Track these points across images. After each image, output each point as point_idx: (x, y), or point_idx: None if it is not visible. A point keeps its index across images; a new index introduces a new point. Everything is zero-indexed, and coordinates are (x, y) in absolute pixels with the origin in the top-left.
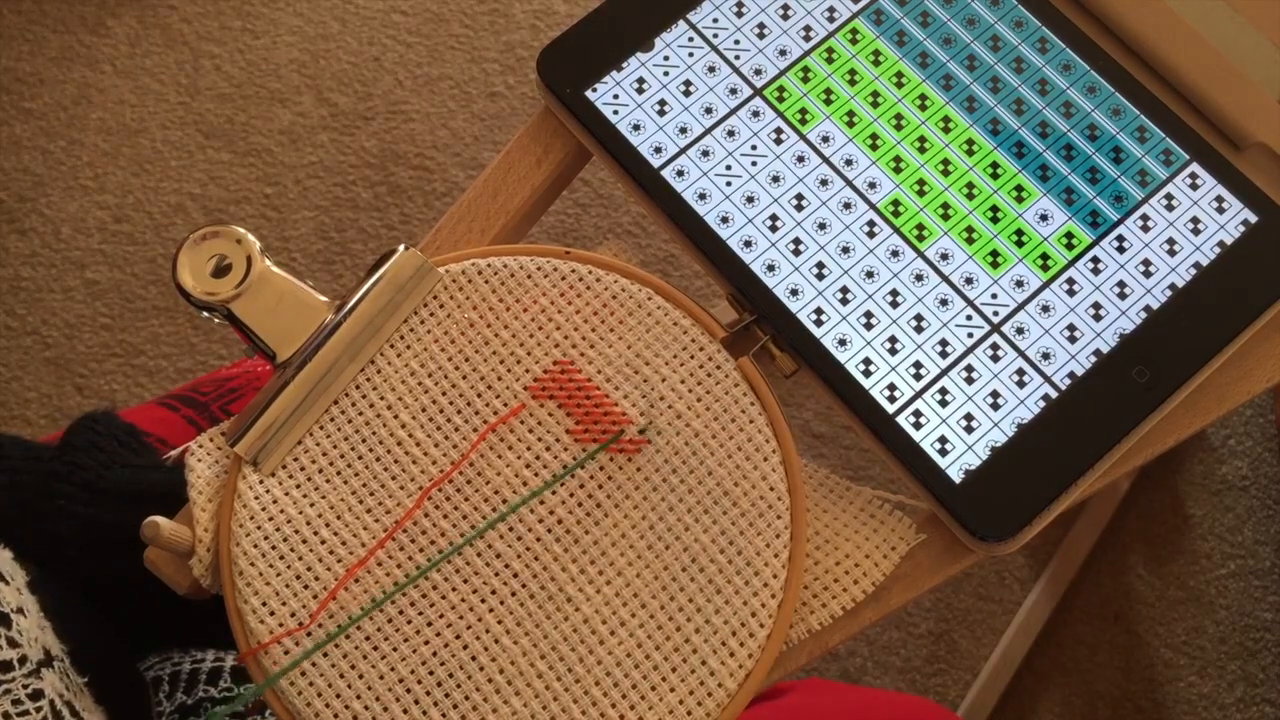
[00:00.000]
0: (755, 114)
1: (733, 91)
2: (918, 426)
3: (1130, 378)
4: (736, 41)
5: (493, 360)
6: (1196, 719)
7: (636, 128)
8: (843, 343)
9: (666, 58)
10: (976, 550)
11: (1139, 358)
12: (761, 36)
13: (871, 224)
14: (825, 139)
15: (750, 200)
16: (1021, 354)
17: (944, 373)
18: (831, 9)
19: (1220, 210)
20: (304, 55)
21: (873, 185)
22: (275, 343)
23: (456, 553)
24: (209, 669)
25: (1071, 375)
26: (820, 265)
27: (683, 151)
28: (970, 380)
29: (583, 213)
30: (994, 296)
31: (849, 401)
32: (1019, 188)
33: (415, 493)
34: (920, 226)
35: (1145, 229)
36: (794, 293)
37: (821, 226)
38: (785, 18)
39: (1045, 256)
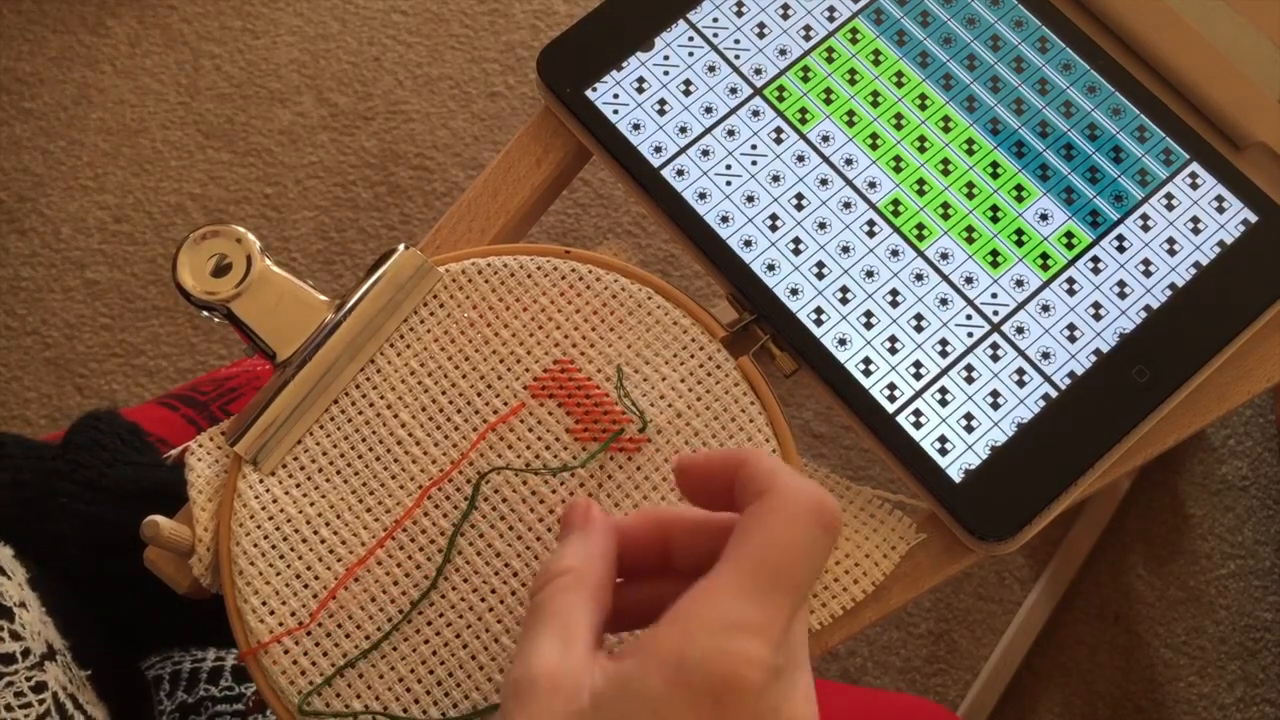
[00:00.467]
0: (755, 113)
1: (733, 91)
2: (918, 426)
3: (1130, 377)
4: (736, 41)
5: (492, 359)
6: (1196, 719)
7: (636, 127)
8: (843, 342)
9: (666, 57)
10: (976, 550)
11: (1139, 357)
12: (761, 36)
13: (871, 223)
14: (825, 138)
15: (750, 200)
16: (1021, 353)
17: (944, 372)
18: (831, 8)
19: (1220, 210)
20: (304, 55)
21: (873, 185)
22: (275, 342)
23: (456, 554)
24: (210, 668)
25: (1071, 375)
26: (820, 265)
27: (683, 151)
28: (970, 380)
29: (583, 213)
30: (994, 296)
31: (849, 401)
32: (1019, 187)
33: (415, 492)
34: (920, 226)
35: (1145, 228)
36: (794, 292)
37: (821, 226)
38: (785, 17)
39: (1045, 256)
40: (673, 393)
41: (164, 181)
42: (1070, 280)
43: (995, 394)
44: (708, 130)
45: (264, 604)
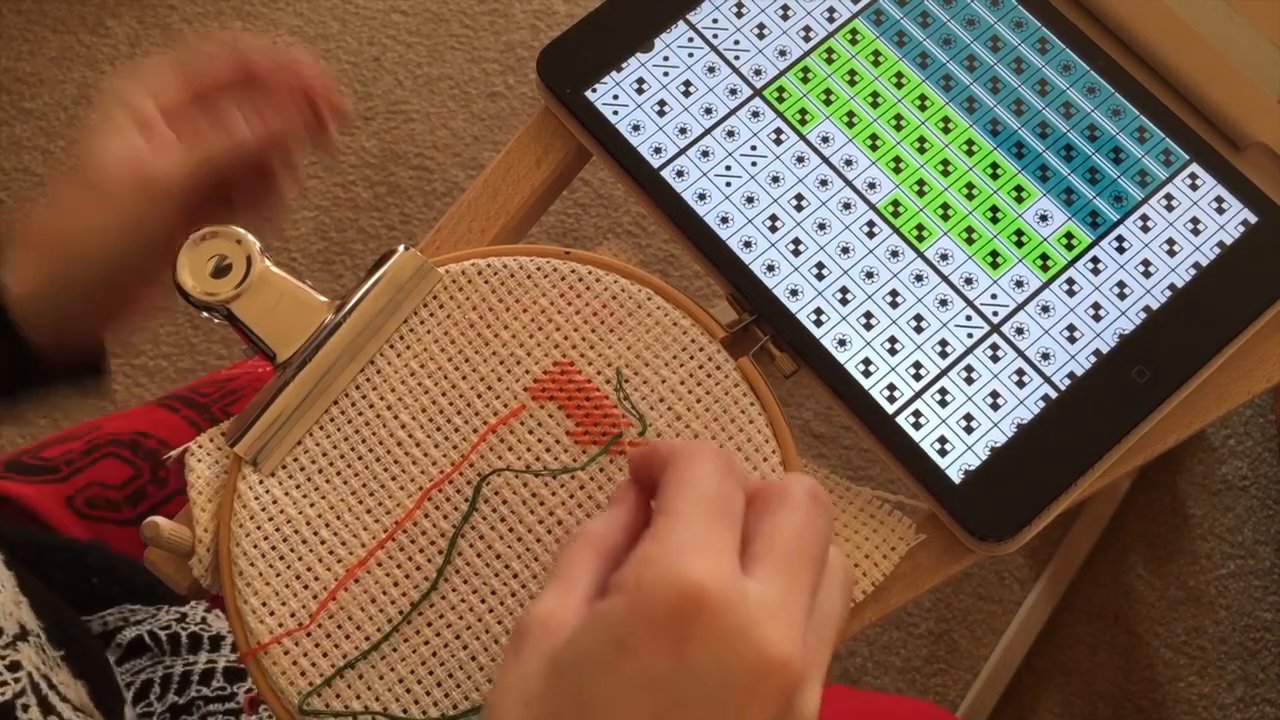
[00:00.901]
0: (755, 114)
1: (732, 92)
2: (917, 426)
3: (1130, 378)
4: (736, 42)
5: (493, 361)
6: (1196, 719)
7: (636, 128)
8: (842, 343)
9: (666, 58)
10: (976, 550)
11: (1139, 358)
12: (761, 37)
13: (871, 224)
14: (825, 139)
15: (750, 200)
16: (1021, 354)
17: (944, 373)
18: (831, 9)
19: (1220, 210)
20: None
21: (872, 185)
22: (275, 343)
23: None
24: (201, 670)
25: (1071, 375)
26: (820, 265)
27: (683, 152)
28: (970, 380)
29: (583, 213)
30: (994, 297)
31: (849, 401)
32: (1019, 188)
33: (415, 493)
34: (920, 227)
35: (1145, 229)
36: (794, 293)
37: (821, 227)
38: (785, 18)
39: (1045, 257)
40: (672, 395)
41: None
42: (1070, 281)
43: (995, 394)
44: (707, 131)
45: (264, 605)
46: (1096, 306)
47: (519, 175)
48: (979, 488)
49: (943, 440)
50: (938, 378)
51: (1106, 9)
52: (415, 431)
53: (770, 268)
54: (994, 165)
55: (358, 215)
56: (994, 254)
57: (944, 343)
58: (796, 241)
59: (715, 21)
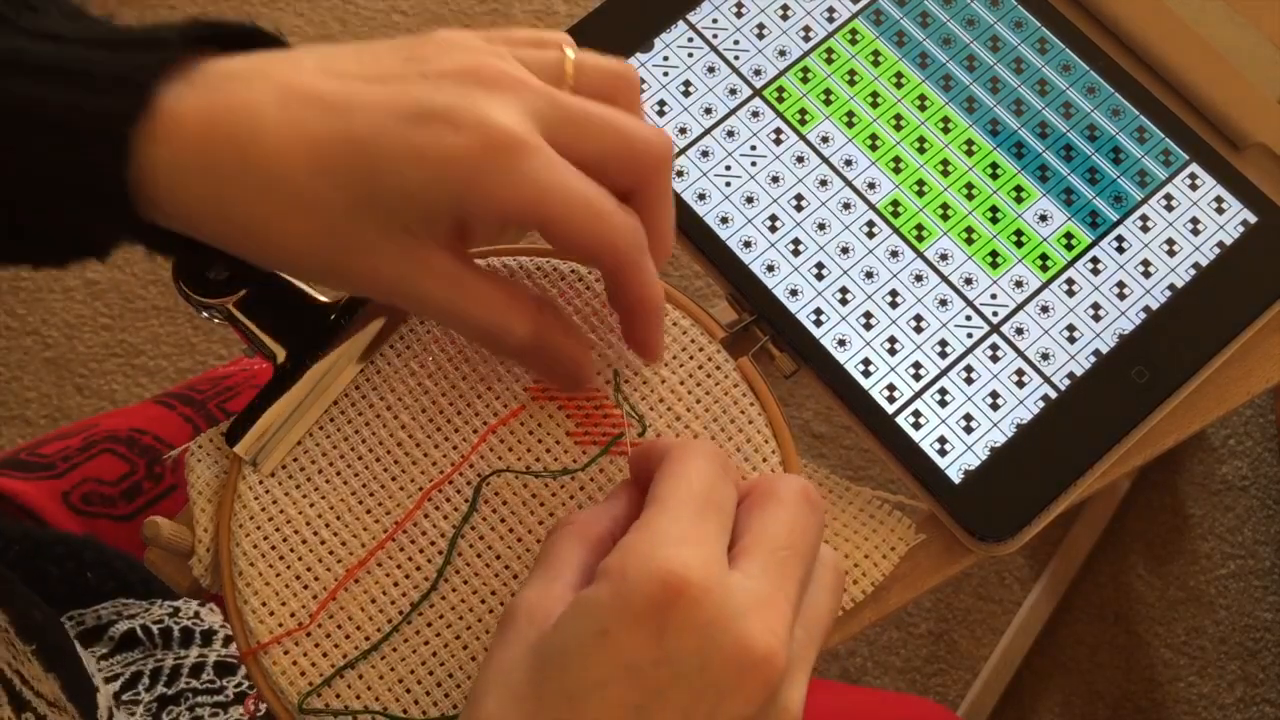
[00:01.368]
0: (755, 114)
1: (732, 92)
2: (917, 427)
3: (1130, 378)
4: (736, 42)
5: (493, 361)
6: (1196, 719)
7: None
8: (842, 343)
9: (666, 58)
10: (976, 550)
11: (1138, 358)
12: (761, 37)
13: (871, 224)
14: (825, 139)
15: (750, 200)
16: (1021, 354)
17: (943, 373)
18: (831, 9)
19: (1219, 211)
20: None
21: (872, 185)
22: (275, 343)
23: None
24: (192, 664)
25: (1071, 375)
26: (820, 265)
27: (682, 152)
28: (970, 380)
29: None
30: (993, 297)
31: (849, 401)
32: (1018, 188)
33: (415, 494)
34: (920, 227)
35: (1145, 229)
36: (793, 293)
37: (821, 227)
38: (785, 18)
39: (1045, 257)
40: (672, 395)
41: None
42: (1070, 281)
43: (995, 395)
44: (707, 131)
45: (264, 605)
46: (1096, 306)
47: None
48: (979, 488)
49: (942, 440)
50: (937, 378)
51: (1106, 9)
52: (415, 432)
53: (770, 268)
54: (994, 165)
55: None
56: (994, 254)
57: (944, 343)
58: (796, 241)
59: (715, 21)
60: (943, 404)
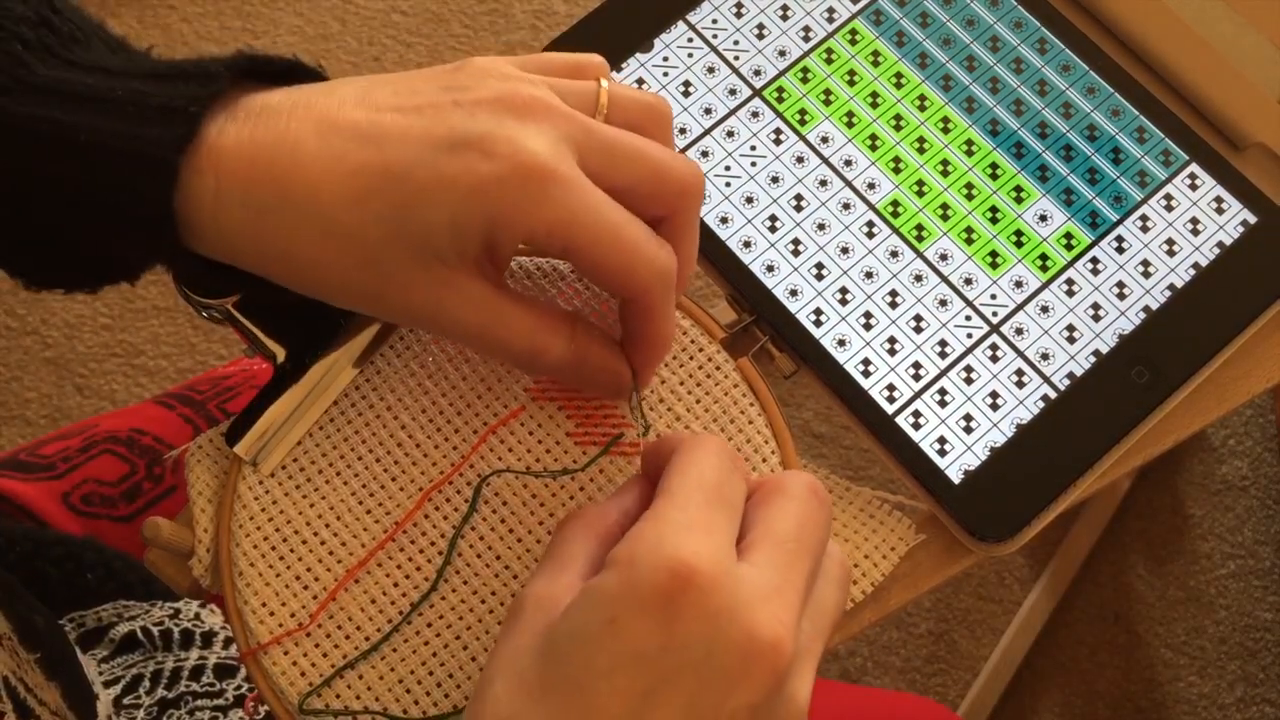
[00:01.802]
0: (754, 114)
1: (732, 92)
2: (917, 427)
3: (1130, 378)
4: (736, 42)
5: (492, 361)
6: (1196, 719)
7: None
8: (842, 343)
9: (666, 58)
10: (976, 550)
11: (1138, 358)
12: (761, 37)
13: (871, 224)
14: (825, 139)
15: (749, 201)
16: (1021, 354)
17: (943, 373)
18: (831, 9)
19: (1219, 211)
20: (304, 55)
21: (872, 186)
22: (275, 344)
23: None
24: (192, 666)
25: (1071, 375)
26: (819, 266)
27: (682, 152)
28: (969, 381)
29: None
30: (993, 297)
31: (848, 402)
32: (1018, 188)
33: (415, 494)
34: (919, 227)
35: (1144, 229)
36: (793, 293)
37: (821, 227)
38: (784, 18)
39: (1044, 257)
40: (672, 395)
41: None
42: (1069, 281)
43: (994, 395)
44: (707, 131)
45: (264, 605)
46: (1096, 307)
47: None
48: (979, 488)
49: (942, 440)
50: (937, 378)
51: (1106, 9)
52: (415, 432)
53: (770, 268)
54: (994, 165)
55: None
56: (993, 254)
57: (943, 343)
58: (796, 242)
59: (715, 22)
60: (942, 404)
